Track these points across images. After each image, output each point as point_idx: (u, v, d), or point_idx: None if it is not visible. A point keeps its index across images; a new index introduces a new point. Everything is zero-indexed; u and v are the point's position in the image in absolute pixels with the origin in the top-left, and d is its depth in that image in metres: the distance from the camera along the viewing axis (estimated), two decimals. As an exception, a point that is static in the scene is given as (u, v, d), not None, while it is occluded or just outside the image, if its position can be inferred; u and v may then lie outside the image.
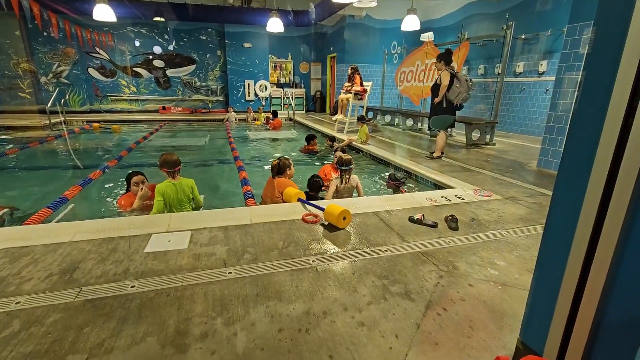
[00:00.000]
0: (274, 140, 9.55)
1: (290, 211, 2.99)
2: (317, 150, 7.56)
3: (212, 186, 4.81)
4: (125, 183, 3.26)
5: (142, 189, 3.12)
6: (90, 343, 1.45)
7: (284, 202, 3.44)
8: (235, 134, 10.45)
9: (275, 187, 3.57)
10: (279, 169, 3.67)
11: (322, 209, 2.84)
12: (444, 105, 5.34)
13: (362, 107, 9.12)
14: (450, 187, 4.02)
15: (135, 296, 1.72)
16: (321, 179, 3.96)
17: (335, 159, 3.96)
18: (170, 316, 1.60)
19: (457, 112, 5.56)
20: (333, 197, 3.75)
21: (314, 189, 3.89)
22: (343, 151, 4.62)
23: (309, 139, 7.60)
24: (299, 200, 3.24)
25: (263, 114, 13.31)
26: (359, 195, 4.01)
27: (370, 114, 11.99)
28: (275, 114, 11.06)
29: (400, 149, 7.13)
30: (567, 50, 3.96)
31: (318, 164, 6.42)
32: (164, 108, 13.86)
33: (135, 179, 3.21)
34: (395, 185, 3.97)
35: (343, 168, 3.77)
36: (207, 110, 15.14)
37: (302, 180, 4.46)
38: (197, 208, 3.52)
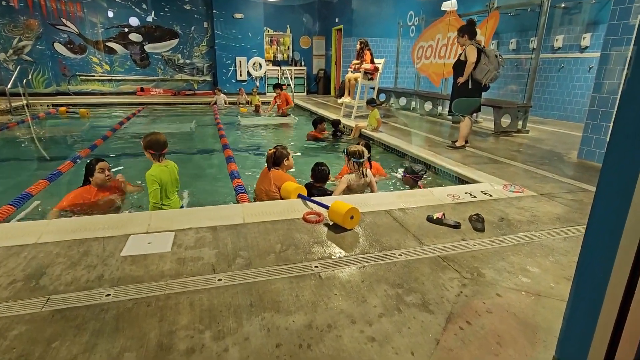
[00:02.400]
0: (270, 127, 9.40)
1: (288, 209, 2.96)
2: (324, 137, 7.34)
3: (198, 179, 4.78)
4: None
5: (109, 176, 3.04)
6: (60, 359, 1.42)
7: (281, 198, 3.40)
8: (224, 119, 10.12)
9: (272, 181, 3.53)
10: (275, 160, 3.63)
11: (327, 207, 2.82)
12: (469, 86, 5.24)
13: (373, 88, 9.03)
14: (476, 182, 3.99)
15: (111, 306, 1.70)
16: (327, 167, 3.92)
17: (347, 159, 3.81)
18: (151, 329, 1.59)
19: (483, 93, 5.45)
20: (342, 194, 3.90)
21: (319, 179, 3.85)
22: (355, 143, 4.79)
23: (317, 122, 7.44)
24: (299, 196, 3.20)
25: (257, 97, 13.11)
26: (371, 191, 3.96)
27: (383, 97, 11.59)
28: (279, 86, 10.60)
29: (417, 137, 6.79)
30: (614, 21, 3.85)
31: (325, 153, 6.24)
32: (142, 90, 13.50)
33: (101, 164, 3.12)
34: (413, 179, 3.96)
35: (360, 160, 3.69)
36: (193, 93, 14.91)
37: (306, 172, 4.51)
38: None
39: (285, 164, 3.76)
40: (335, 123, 8.04)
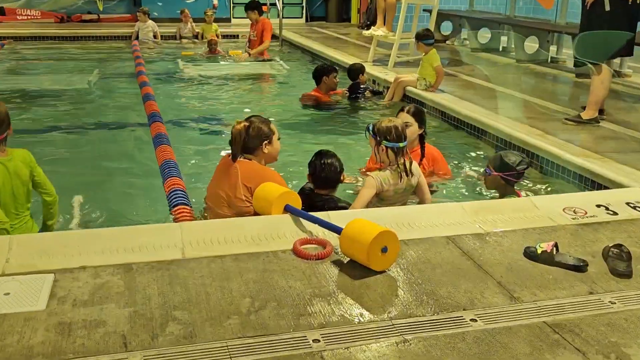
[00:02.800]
0: (236, 80, 9.14)
1: (268, 233, 3.02)
2: (334, 101, 7.26)
3: (101, 178, 4.77)
4: None
5: None
6: None
7: (255, 213, 3.35)
8: (153, 67, 9.99)
9: (239, 180, 3.48)
10: (247, 142, 3.55)
11: (338, 230, 2.84)
12: (608, 7, 5.17)
13: (430, 11, 9.29)
14: (618, 185, 3.99)
15: None
16: (339, 161, 3.76)
17: (374, 142, 3.71)
18: None
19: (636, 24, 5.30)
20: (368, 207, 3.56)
21: (324, 181, 3.71)
22: (400, 109, 4.46)
23: (322, 73, 7.31)
24: (288, 209, 3.23)
25: (214, 25, 12.78)
26: (420, 201, 3.89)
27: (446, 27, 11.98)
28: (256, 8, 10.69)
29: (510, 103, 6.68)
30: None
31: (336, 130, 6.28)
32: (2, 12, 14.04)
33: None
34: (505, 179, 3.86)
35: (398, 146, 3.60)
36: (96, 18, 14.68)
37: (301, 166, 4.27)
38: (47, 207, 3.56)
39: (265, 150, 3.60)
40: (357, 72, 7.64)
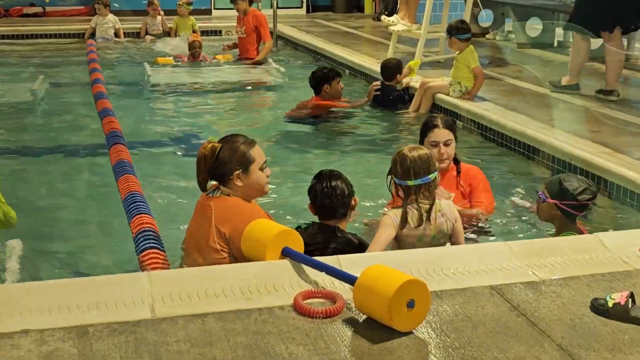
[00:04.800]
0: (219, 90, 9.42)
1: (261, 283, 3.06)
2: (336, 106, 7.48)
3: (44, 213, 4.93)
4: None
5: None
6: None
7: (237, 259, 3.50)
8: (115, 73, 10.42)
9: (212, 223, 3.62)
10: (218, 168, 3.69)
11: (352, 280, 2.86)
12: None
13: None
14: None
15: None
16: (344, 183, 3.88)
17: (391, 180, 3.86)
18: None
19: None
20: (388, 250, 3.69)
21: (329, 210, 3.85)
22: (431, 125, 4.58)
23: (320, 81, 7.50)
24: (286, 252, 3.27)
25: (191, 19, 12.82)
26: (453, 242, 3.98)
27: (485, 17, 12.35)
28: None
29: (570, 113, 6.93)
30: None
31: (348, 144, 6.52)
32: None
33: None
34: (564, 210, 3.97)
35: (403, 184, 3.79)
36: (41, 12, 14.98)
37: (298, 193, 4.55)
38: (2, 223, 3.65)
39: (237, 182, 3.68)
40: (392, 71, 7.84)
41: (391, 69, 7.72)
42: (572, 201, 3.88)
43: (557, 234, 3.97)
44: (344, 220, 3.84)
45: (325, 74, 7.52)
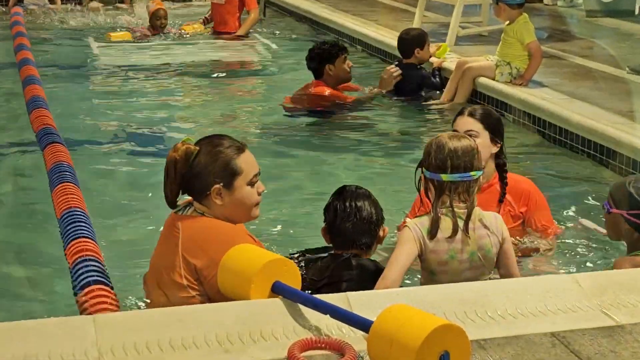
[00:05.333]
0: (195, 71, 9.24)
1: (245, 330, 2.99)
2: (361, 97, 7.52)
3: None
4: None
5: None
6: None
7: (209, 299, 3.47)
8: (50, 50, 10.43)
9: (178, 251, 3.64)
10: (191, 180, 3.70)
11: (366, 325, 2.80)
12: None
13: None
14: None
15: None
16: (372, 204, 3.99)
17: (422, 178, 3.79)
18: None
19: None
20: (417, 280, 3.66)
21: (348, 238, 3.93)
22: (456, 115, 4.69)
23: (321, 59, 7.55)
24: (278, 289, 3.20)
25: None
26: (503, 274, 3.93)
27: None
28: None
29: None
30: None
31: (355, 149, 6.59)
32: None
33: None
34: (633, 223, 4.12)
35: (435, 177, 3.81)
36: None
37: (303, 218, 4.55)
38: None
39: (217, 200, 3.69)
40: (409, 45, 8.01)
41: (408, 41, 7.55)
42: None
43: (627, 252, 3.92)
44: (365, 254, 3.78)
45: (327, 51, 7.30)
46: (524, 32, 6.67)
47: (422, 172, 3.77)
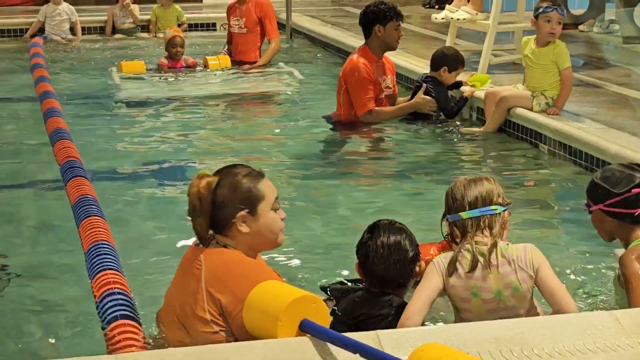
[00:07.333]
0: (217, 103, 9.34)
1: None
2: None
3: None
4: None
5: None
6: None
7: (234, 337, 3.50)
8: (71, 82, 10.57)
9: (201, 285, 3.66)
10: (215, 212, 3.73)
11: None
12: None
13: None
14: None
15: None
16: (408, 239, 4.02)
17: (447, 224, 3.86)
18: None
19: None
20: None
21: (383, 277, 3.96)
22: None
23: (372, 18, 7.57)
24: (306, 327, 3.21)
25: (176, 8, 12.02)
26: (551, 303, 3.86)
27: (578, 3, 12.93)
28: None
29: None
30: None
31: (384, 168, 6.61)
32: None
33: None
34: (612, 213, 4.19)
35: (456, 218, 3.91)
36: None
37: (331, 250, 4.56)
38: None
39: (242, 229, 3.67)
40: (437, 62, 7.92)
41: (440, 57, 7.61)
42: (616, 198, 3.87)
43: (626, 249, 3.73)
44: (401, 291, 3.79)
45: (381, 11, 7.33)
46: (564, 55, 6.60)
47: (447, 219, 3.88)
